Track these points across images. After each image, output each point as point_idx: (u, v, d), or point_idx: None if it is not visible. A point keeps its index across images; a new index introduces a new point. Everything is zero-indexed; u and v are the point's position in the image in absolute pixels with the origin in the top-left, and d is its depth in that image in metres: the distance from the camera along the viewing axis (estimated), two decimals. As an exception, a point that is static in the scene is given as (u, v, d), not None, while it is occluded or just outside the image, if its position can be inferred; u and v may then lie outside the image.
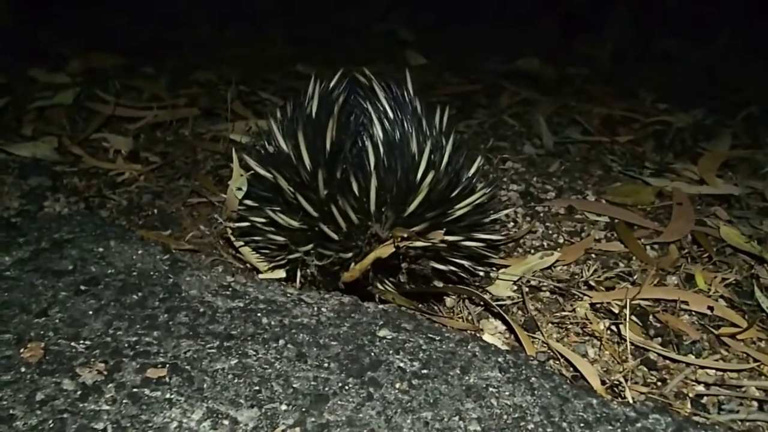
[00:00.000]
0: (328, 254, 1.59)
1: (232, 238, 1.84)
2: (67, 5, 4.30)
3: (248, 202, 1.75)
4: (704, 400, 1.50)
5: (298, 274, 1.70)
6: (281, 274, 1.74)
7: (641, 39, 4.65)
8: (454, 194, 1.65)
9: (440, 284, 1.74)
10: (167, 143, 2.68)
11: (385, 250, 1.52)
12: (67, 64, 3.47)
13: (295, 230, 1.61)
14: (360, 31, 4.84)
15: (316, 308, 1.57)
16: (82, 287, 1.60)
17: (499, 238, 1.89)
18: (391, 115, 1.62)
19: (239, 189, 1.75)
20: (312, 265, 1.63)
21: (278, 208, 1.62)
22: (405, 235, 1.50)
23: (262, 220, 1.68)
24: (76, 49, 3.69)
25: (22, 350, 1.39)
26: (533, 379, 1.38)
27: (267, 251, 1.76)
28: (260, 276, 1.75)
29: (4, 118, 2.78)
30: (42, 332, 1.44)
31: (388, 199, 1.54)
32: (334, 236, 1.55)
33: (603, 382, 1.50)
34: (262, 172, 1.67)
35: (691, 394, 1.51)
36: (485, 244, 1.75)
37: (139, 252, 1.78)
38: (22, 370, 1.33)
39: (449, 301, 1.81)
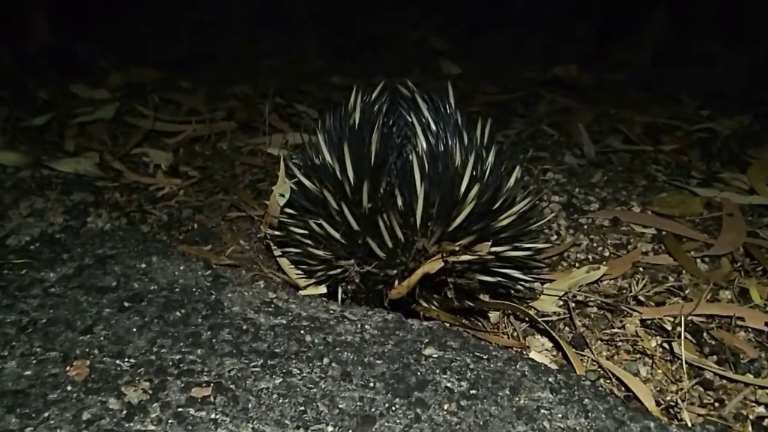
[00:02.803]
0: (372, 271, 1.56)
1: (272, 246, 1.84)
2: (103, 19, 4.38)
3: (290, 210, 1.74)
4: (766, 422, 1.43)
5: (339, 291, 1.68)
6: (322, 290, 1.73)
7: (680, 42, 4.55)
8: (496, 206, 1.62)
9: (486, 298, 1.71)
10: (206, 157, 2.69)
11: (433, 266, 1.49)
12: (107, 78, 3.53)
13: (336, 244, 1.60)
14: (393, 40, 4.84)
15: (359, 325, 1.55)
16: (126, 304, 1.61)
17: (544, 246, 1.86)
18: (434, 127, 1.60)
19: (282, 195, 1.75)
20: (354, 281, 1.61)
21: (320, 221, 1.61)
22: (455, 249, 1.47)
23: (303, 231, 1.66)
24: (115, 63, 3.75)
25: (68, 368, 1.39)
26: (586, 400, 1.34)
27: (305, 266, 1.74)
28: (301, 292, 1.74)
29: (47, 134, 2.83)
30: (87, 350, 1.44)
31: (433, 213, 1.52)
32: (380, 252, 1.53)
33: (658, 403, 1.45)
34: (306, 182, 1.66)
35: (751, 416, 1.44)
36: (531, 253, 1.72)
37: (181, 268, 1.78)
38: (69, 388, 1.33)
39: (493, 317, 1.77)
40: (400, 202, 1.51)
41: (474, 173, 1.56)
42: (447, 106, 1.70)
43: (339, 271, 1.62)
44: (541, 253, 1.88)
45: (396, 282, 1.57)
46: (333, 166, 1.60)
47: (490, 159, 1.64)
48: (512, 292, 1.75)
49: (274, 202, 1.77)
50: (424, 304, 1.64)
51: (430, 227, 1.53)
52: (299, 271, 1.77)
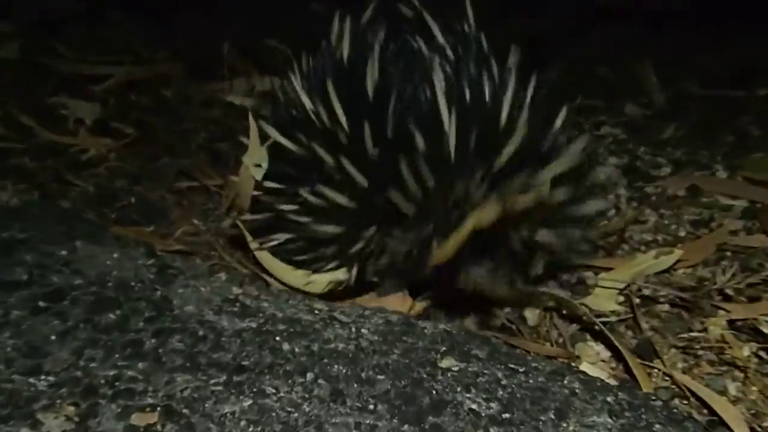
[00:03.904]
0: (401, 237, 1.55)
1: (248, 239, 1.80)
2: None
3: (271, 183, 1.72)
4: None
5: (353, 272, 1.66)
6: (339, 275, 1.70)
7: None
8: (545, 149, 1.61)
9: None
10: (145, 109, 2.69)
11: (486, 214, 1.45)
12: (10, 7, 3.50)
13: (345, 213, 1.57)
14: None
15: (354, 329, 1.55)
16: (42, 304, 1.60)
17: (606, 205, 1.86)
18: (451, 55, 1.59)
19: (258, 165, 1.73)
20: (383, 254, 1.60)
21: (317, 187, 1.58)
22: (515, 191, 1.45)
23: (295, 207, 1.63)
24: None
25: (-34, 389, 1.39)
26: (657, 426, 1.34)
27: (307, 254, 1.71)
28: (309, 287, 1.71)
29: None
30: (-9, 365, 1.44)
31: (471, 145, 1.49)
32: (407, 207, 1.51)
33: (752, 430, 1.45)
34: (285, 142, 1.63)
35: None
36: (594, 213, 1.73)
37: (115, 255, 1.77)
38: (-32, 415, 1.33)
39: (532, 317, 1.77)
40: (420, 141, 1.48)
41: (514, 104, 1.55)
42: (466, 28, 1.69)
43: (359, 246, 1.61)
44: (600, 221, 1.88)
45: (435, 243, 1.54)
46: (318, 112, 1.59)
47: (530, 90, 1.63)
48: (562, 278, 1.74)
49: (246, 176, 1.74)
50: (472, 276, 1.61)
51: (468, 164, 1.51)
52: (292, 265, 1.74)
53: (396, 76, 1.57)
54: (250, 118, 1.76)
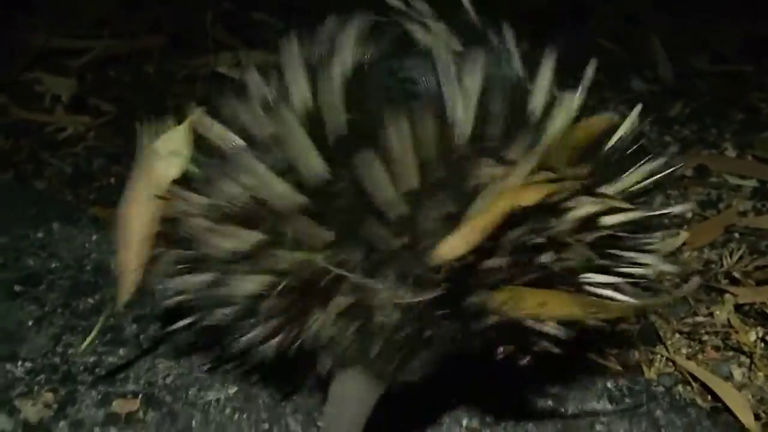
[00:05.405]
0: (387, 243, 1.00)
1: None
2: None
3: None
4: None
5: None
6: None
7: None
8: None
9: None
10: (124, 85, 2.68)
11: (525, 194, 0.98)
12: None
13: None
14: None
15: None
16: (18, 288, 1.62)
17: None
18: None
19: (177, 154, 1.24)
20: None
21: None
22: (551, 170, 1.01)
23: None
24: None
25: (-61, 376, 1.40)
26: (658, 412, 1.36)
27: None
28: None
29: None
30: (-35, 351, 1.46)
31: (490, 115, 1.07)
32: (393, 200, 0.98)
33: (757, 417, 1.46)
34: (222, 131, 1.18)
35: None
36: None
37: (93, 238, 1.79)
38: (-58, 403, 1.35)
39: (531, 302, 1.78)
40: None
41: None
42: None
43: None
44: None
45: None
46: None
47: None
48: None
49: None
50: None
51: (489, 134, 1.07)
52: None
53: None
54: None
